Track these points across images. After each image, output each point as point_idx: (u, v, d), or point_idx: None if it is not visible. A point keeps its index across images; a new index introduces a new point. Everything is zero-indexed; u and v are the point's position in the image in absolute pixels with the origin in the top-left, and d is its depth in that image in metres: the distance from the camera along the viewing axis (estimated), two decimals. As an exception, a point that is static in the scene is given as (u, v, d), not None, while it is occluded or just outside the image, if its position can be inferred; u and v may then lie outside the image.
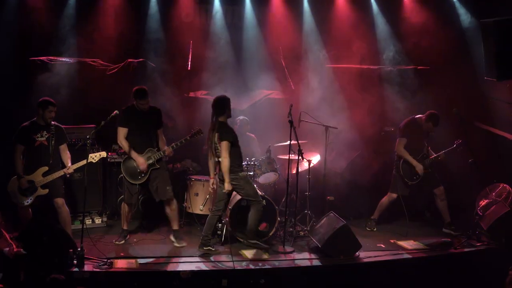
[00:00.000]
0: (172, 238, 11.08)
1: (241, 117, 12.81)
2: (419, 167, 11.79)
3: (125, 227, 11.17)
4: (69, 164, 10.43)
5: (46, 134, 10.43)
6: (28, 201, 10.35)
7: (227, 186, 10.35)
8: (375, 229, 12.24)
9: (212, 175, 10.76)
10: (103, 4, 12.79)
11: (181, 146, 10.80)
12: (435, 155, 11.91)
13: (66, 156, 10.57)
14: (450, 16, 13.43)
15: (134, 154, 10.71)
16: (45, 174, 10.35)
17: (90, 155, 10.27)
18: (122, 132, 10.74)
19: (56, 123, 10.56)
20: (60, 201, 10.47)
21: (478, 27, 11.62)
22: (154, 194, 10.95)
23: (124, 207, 11.08)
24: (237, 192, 10.67)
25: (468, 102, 13.01)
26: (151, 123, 10.82)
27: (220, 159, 10.38)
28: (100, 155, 10.50)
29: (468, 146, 11.48)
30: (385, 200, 12.24)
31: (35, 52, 12.38)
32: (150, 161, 10.71)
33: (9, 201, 10.40)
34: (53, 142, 10.43)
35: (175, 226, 11.06)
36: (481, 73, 11.62)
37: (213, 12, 13.52)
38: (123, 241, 11.05)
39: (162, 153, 10.74)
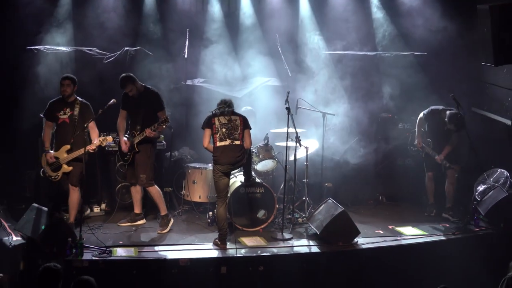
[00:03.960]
0: None
1: (247, 108, 12.52)
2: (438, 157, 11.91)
3: (136, 211, 11.31)
4: (95, 141, 10.43)
5: (69, 112, 10.45)
6: (56, 176, 10.49)
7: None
8: (432, 214, 12.30)
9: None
10: (99, -7, 12.75)
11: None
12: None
13: (94, 134, 10.61)
14: (446, 0, 13.38)
15: (120, 134, 10.97)
16: (68, 152, 10.41)
17: (99, 138, 10.39)
18: (120, 113, 11.03)
19: (83, 100, 10.61)
20: (73, 188, 10.55)
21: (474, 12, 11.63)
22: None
23: (131, 190, 11.32)
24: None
25: (465, 88, 13.01)
26: (141, 106, 10.79)
27: (236, 142, 10.27)
28: (106, 139, 10.47)
29: (466, 131, 11.49)
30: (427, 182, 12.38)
31: (31, 41, 12.31)
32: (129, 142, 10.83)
33: (9, 190, 10.49)
34: (76, 120, 10.42)
35: (161, 211, 11.07)
36: (478, 58, 11.64)
37: (210, -1, 13.52)
38: (127, 224, 11.18)
39: (139, 136, 10.68)
